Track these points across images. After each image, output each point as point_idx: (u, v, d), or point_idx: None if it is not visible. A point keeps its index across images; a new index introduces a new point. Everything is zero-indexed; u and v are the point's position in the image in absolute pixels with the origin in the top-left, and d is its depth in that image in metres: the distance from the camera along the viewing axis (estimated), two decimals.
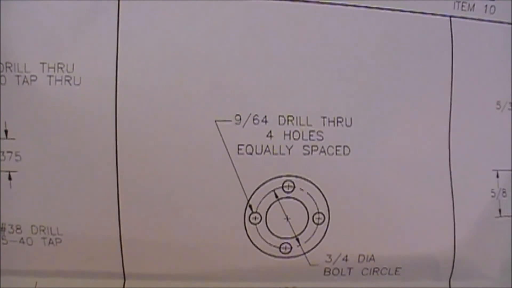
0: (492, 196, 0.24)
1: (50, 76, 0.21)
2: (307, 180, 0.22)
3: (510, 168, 0.24)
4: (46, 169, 0.21)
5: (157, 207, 0.22)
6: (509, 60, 0.24)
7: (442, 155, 0.23)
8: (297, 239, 0.22)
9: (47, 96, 0.21)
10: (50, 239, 0.22)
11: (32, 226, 0.22)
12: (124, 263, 0.22)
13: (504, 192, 0.24)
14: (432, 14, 0.23)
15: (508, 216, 0.24)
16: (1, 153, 0.21)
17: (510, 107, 0.24)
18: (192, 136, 0.21)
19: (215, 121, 0.21)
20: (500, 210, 0.24)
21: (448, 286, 0.23)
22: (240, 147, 0.21)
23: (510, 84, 0.24)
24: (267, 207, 0.22)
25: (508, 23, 0.24)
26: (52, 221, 0.22)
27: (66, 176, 0.21)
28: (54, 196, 0.22)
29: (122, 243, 0.22)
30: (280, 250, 0.22)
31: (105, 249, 0.22)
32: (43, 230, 0.22)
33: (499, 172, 0.24)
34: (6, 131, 0.21)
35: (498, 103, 0.24)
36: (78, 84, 0.21)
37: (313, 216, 0.22)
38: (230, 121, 0.21)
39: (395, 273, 0.23)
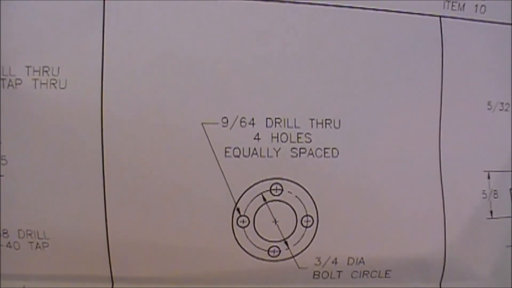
0: (484, 197, 0.23)
1: (35, 80, 0.21)
2: (295, 182, 0.22)
3: (501, 169, 0.24)
4: (32, 173, 0.21)
5: (144, 210, 0.21)
6: (500, 60, 0.24)
7: (432, 156, 0.23)
8: (286, 242, 0.22)
9: (32, 100, 0.21)
10: (37, 243, 0.22)
11: (19, 230, 0.22)
12: (112, 267, 0.22)
13: (495, 193, 0.24)
14: (422, 14, 0.23)
15: (500, 217, 0.24)
16: None
17: (502, 108, 0.24)
18: (179, 138, 0.21)
19: (202, 123, 0.21)
20: (491, 212, 0.24)
21: None
22: (227, 149, 0.21)
23: (501, 84, 0.24)
24: (255, 210, 0.22)
25: (499, 23, 0.24)
26: (39, 225, 0.22)
27: (53, 180, 0.21)
28: (40, 200, 0.21)
29: (109, 246, 0.22)
30: (268, 254, 0.22)
31: (92, 252, 0.22)
32: (30, 234, 0.21)
33: (490, 173, 0.24)
34: None
35: (489, 103, 0.24)
36: (64, 88, 0.21)
37: (301, 219, 0.22)
38: (217, 123, 0.21)
39: (385, 276, 0.23)
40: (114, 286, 0.22)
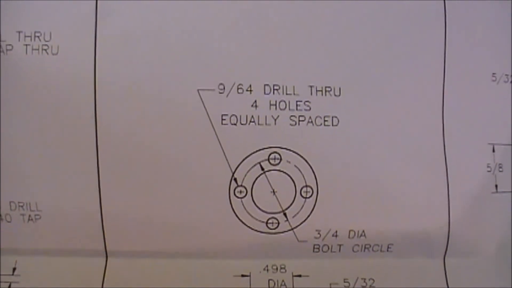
0: (488, 171, 0.23)
1: (26, 45, 0.20)
2: (294, 152, 0.21)
3: (507, 143, 0.23)
4: (23, 142, 0.21)
5: (139, 182, 0.21)
6: (506, 31, 0.23)
7: (436, 128, 0.22)
8: (285, 214, 0.21)
9: (23, 66, 0.20)
10: (29, 216, 0.21)
11: (10, 202, 0.21)
12: (106, 240, 0.21)
13: (500, 167, 0.23)
14: None
15: (505, 192, 0.23)
16: None
17: (507, 80, 0.23)
18: (174, 106, 0.20)
19: (198, 90, 0.20)
20: (496, 186, 0.23)
21: (442, 264, 0.22)
22: (224, 117, 0.20)
23: (506, 56, 0.23)
24: (253, 181, 0.21)
25: None
26: (31, 197, 0.21)
27: (44, 150, 0.21)
28: (32, 170, 0.21)
29: (103, 219, 0.21)
30: (267, 226, 0.21)
31: (86, 226, 0.21)
32: (21, 206, 0.21)
33: (495, 146, 0.23)
34: None
35: (493, 75, 0.23)
36: (56, 54, 0.20)
37: (300, 190, 0.21)
38: (213, 90, 0.20)
39: (387, 250, 0.22)
40: (109, 260, 0.21)
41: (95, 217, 0.21)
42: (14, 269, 0.21)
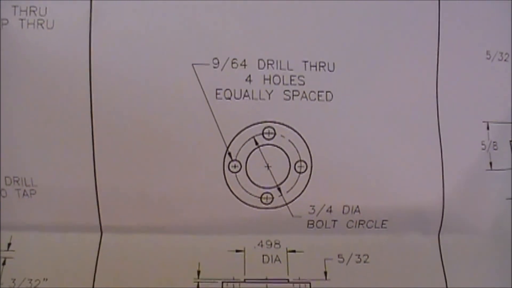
0: (483, 149, 0.23)
1: (22, 20, 0.20)
2: (288, 126, 0.21)
3: (501, 121, 0.23)
4: (18, 116, 0.21)
5: (133, 157, 0.21)
6: (500, 9, 0.23)
7: (430, 104, 0.22)
8: (279, 189, 0.21)
9: (19, 40, 0.20)
10: (24, 191, 0.21)
11: (5, 177, 0.21)
12: (101, 216, 0.21)
13: (495, 145, 0.23)
14: None
15: (500, 169, 0.23)
16: None
17: (501, 58, 0.23)
18: (168, 80, 0.21)
19: (192, 64, 0.20)
20: (491, 163, 0.23)
21: (437, 241, 0.22)
22: (218, 91, 0.21)
23: (501, 34, 0.23)
24: (247, 155, 0.21)
25: None
26: (26, 172, 0.21)
27: (39, 125, 0.21)
28: (27, 145, 0.21)
29: (98, 194, 0.21)
30: (261, 201, 0.21)
31: (80, 201, 0.21)
32: (17, 181, 0.21)
33: (490, 124, 0.23)
34: None
35: (488, 52, 0.23)
36: (51, 28, 0.20)
37: (295, 164, 0.21)
38: (208, 64, 0.21)
39: (382, 226, 0.22)
40: (103, 235, 0.21)
41: (90, 192, 0.21)
42: (9, 244, 0.21)
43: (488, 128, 0.23)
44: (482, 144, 0.23)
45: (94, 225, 0.21)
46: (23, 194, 0.21)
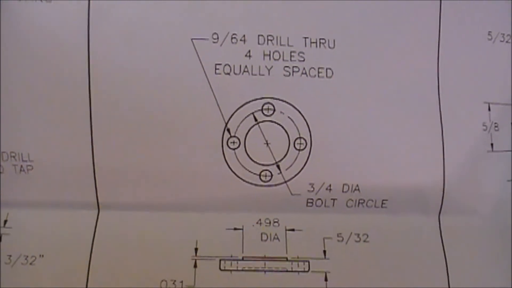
0: (484, 129, 0.23)
1: None
2: (287, 102, 0.21)
3: (503, 102, 0.23)
4: (15, 91, 0.20)
5: (131, 133, 0.21)
6: None
7: (431, 83, 0.22)
8: (278, 166, 0.21)
9: (16, 14, 0.20)
10: (21, 166, 0.21)
11: (2, 152, 0.21)
12: (98, 192, 0.21)
13: (496, 126, 0.23)
14: None
15: (501, 151, 0.23)
16: None
17: (503, 39, 0.23)
18: (168, 55, 0.20)
19: (192, 39, 0.20)
20: (492, 145, 0.23)
21: (437, 221, 0.22)
22: (217, 66, 0.20)
23: (502, 15, 0.23)
24: (246, 131, 0.21)
25: None
26: (23, 148, 0.21)
27: (36, 99, 0.21)
28: (24, 120, 0.21)
29: (95, 171, 0.21)
30: (260, 178, 0.21)
31: (78, 177, 0.21)
32: (13, 157, 0.21)
33: (491, 105, 0.23)
34: None
35: (489, 33, 0.23)
36: (49, 0, 0.20)
37: (294, 142, 0.21)
38: (207, 39, 0.20)
39: (382, 206, 0.22)
40: (100, 212, 0.21)
41: (87, 169, 0.21)
42: (5, 221, 0.21)
43: (489, 109, 0.23)
44: (484, 125, 0.23)
45: (92, 202, 0.21)
46: (20, 170, 0.21)
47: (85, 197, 0.21)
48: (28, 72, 0.20)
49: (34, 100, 0.21)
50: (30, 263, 0.20)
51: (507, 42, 0.23)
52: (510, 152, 0.23)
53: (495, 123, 0.23)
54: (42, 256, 0.20)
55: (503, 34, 0.23)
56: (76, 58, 0.20)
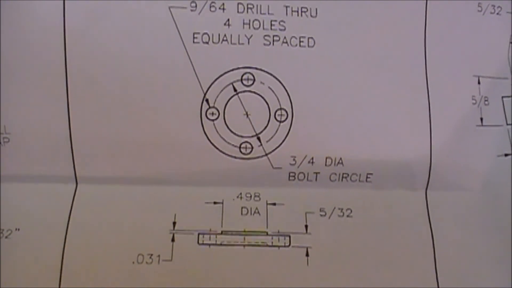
0: (473, 103, 0.22)
1: None
2: (268, 72, 0.20)
3: (493, 76, 0.22)
4: None
5: (108, 104, 0.20)
6: None
7: (417, 54, 0.21)
8: (258, 138, 0.20)
9: None
10: None
11: None
12: (76, 166, 0.21)
13: (486, 100, 0.22)
14: None
15: (491, 125, 0.22)
16: None
17: (493, 11, 0.23)
18: (145, 23, 0.20)
19: (169, 7, 0.20)
20: (481, 119, 0.22)
21: (424, 197, 0.22)
22: (195, 35, 0.20)
23: None
24: (225, 102, 0.20)
25: None
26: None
27: (12, 71, 0.20)
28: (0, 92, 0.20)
29: (72, 143, 0.20)
30: (240, 151, 0.21)
31: (55, 151, 0.21)
32: None
33: (481, 79, 0.22)
34: None
35: (479, 5, 0.22)
36: None
37: (275, 113, 0.20)
38: (185, 8, 0.20)
39: (366, 180, 0.21)
40: (78, 186, 0.21)
41: (64, 141, 0.20)
42: None
43: (479, 82, 0.22)
44: (473, 99, 0.22)
45: (69, 175, 0.21)
46: None
47: (63, 170, 0.21)
48: (3, 44, 0.20)
49: (10, 73, 0.20)
50: (6, 237, 0.20)
51: (497, 14, 0.23)
52: (501, 127, 0.22)
53: (485, 97, 0.22)
54: (18, 229, 0.20)
55: (494, 6, 0.23)
56: (52, 29, 0.20)
